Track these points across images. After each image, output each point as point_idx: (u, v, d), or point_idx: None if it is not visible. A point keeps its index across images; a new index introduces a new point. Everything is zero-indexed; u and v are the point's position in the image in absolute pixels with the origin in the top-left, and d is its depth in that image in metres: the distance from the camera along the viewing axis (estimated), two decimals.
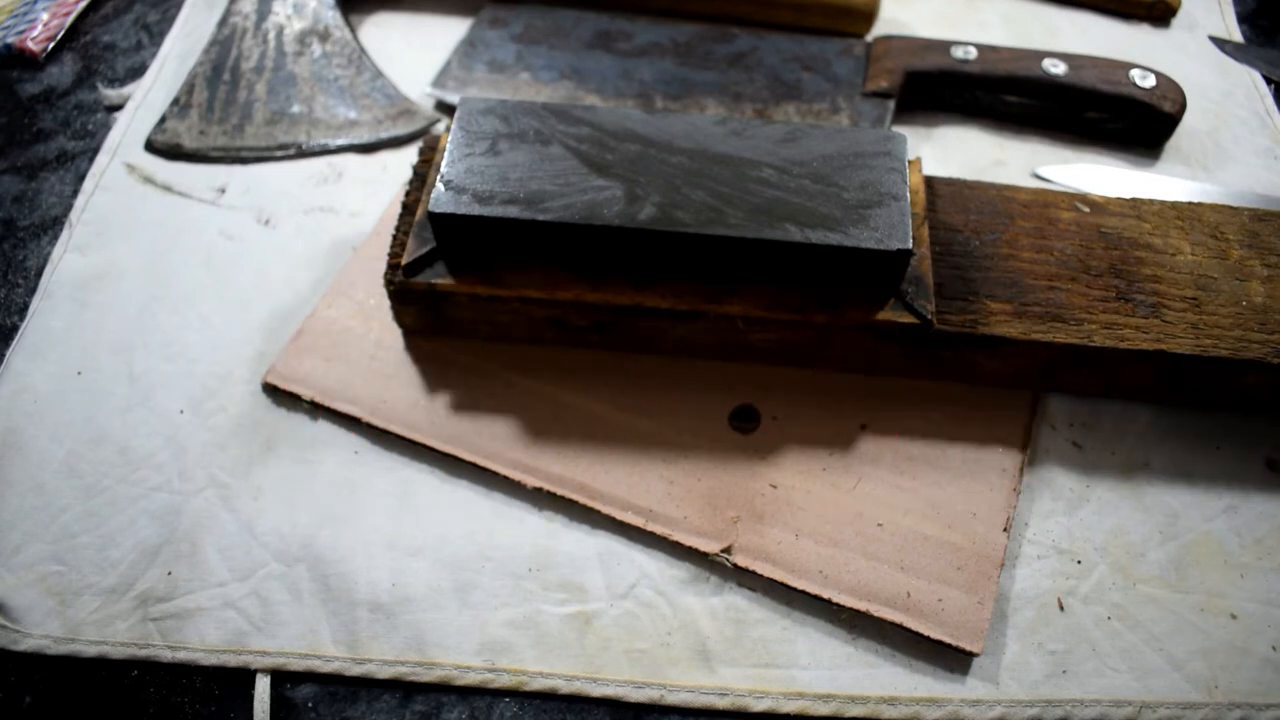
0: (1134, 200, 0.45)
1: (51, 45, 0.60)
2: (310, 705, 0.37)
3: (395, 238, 0.42)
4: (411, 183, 0.44)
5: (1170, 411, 0.44)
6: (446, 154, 0.41)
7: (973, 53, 0.55)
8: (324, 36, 0.59)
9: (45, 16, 0.61)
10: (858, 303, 0.40)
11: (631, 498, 0.41)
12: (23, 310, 0.48)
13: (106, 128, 0.56)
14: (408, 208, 0.43)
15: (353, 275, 0.48)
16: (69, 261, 0.49)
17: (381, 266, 0.47)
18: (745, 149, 0.41)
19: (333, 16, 0.59)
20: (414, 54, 0.60)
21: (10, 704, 0.37)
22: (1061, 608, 0.39)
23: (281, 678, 0.38)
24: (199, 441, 0.43)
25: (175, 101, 0.56)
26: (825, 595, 0.38)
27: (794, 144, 0.42)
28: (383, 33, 0.62)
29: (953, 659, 0.38)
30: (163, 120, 0.55)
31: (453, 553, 0.40)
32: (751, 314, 0.41)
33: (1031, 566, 0.40)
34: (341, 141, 0.55)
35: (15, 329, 0.47)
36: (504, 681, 0.37)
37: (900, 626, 0.38)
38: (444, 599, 0.39)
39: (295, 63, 0.57)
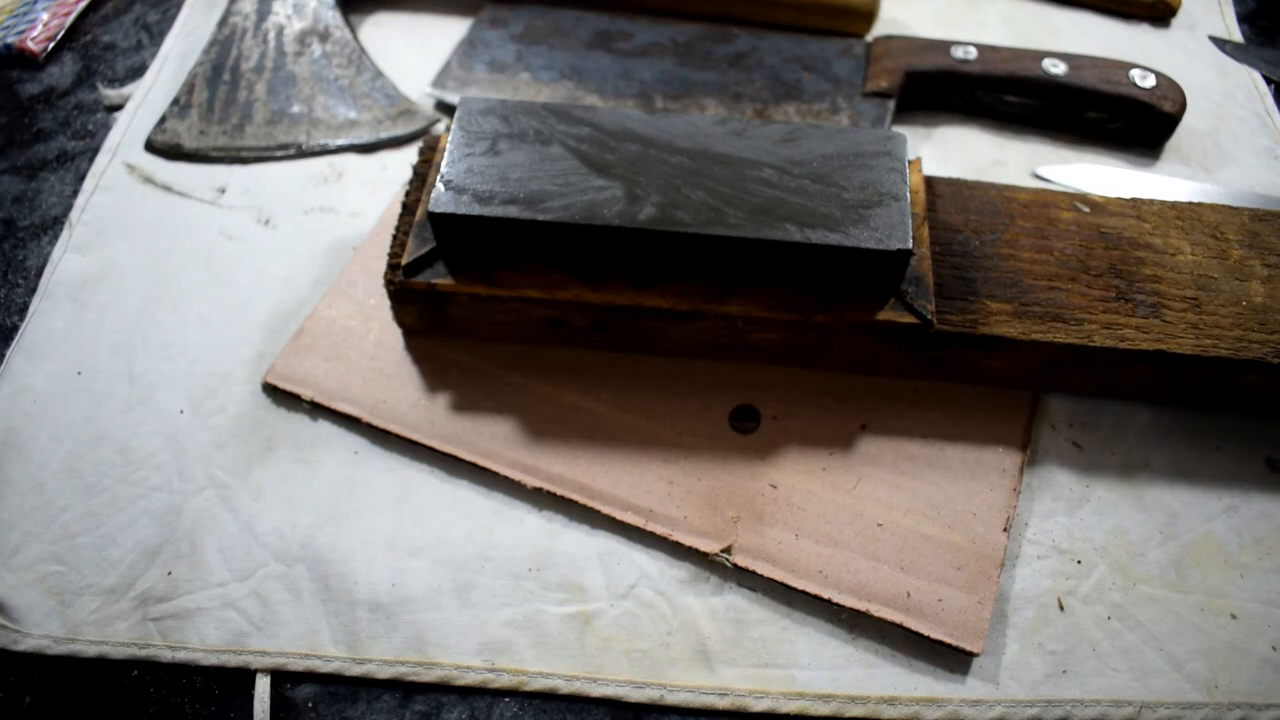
0: (1134, 200, 0.46)
1: (51, 45, 0.60)
2: (310, 705, 0.37)
3: (395, 238, 0.42)
4: (411, 183, 0.44)
5: (1170, 411, 0.44)
6: (446, 154, 0.41)
7: (973, 53, 0.55)
8: (324, 36, 0.59)
9: (45, 16, 0.61)
10: (858, 303, 0.40)
11: (631, 498, 0.41)
12: (23, 310, 0.48)
13: (106, 128, 0.56)
14: (408, 208, 0.43)
15: (353, 275, 0.48)
16: (69, 261, 0.49)
17: (381, 266, 0.47)
18: (745, 149, 0.41)
19: (333, 16, 0.59)
20: (414, 54, 0.60)
21: (10, 704, 0.37)
22: (1061, 608, 0.39)
23: (281, 678, 0.38)
24: (199, 441, 0.43)
25: (175, 101, 0.56)
26: (825, 595, 0.38)
27: (794, 144, 0.42)
28: (383, 33, 0.62)
29: (953, 659, 0.38)
30: (163, 120, 0.55)
31: (453, 553, 0.40)
32: (751, 314, 0.41)
33: (1031, 566, 0.40)
34: (341, 141, 0.55)
35: (15, 329, 0.47)
36: (504, 681, 0.37)
37: (900, 626, 0.38)
38: (444, 599, 0.39)
39: (295, 63, 0.57)
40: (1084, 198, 0.46)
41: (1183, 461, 0.43)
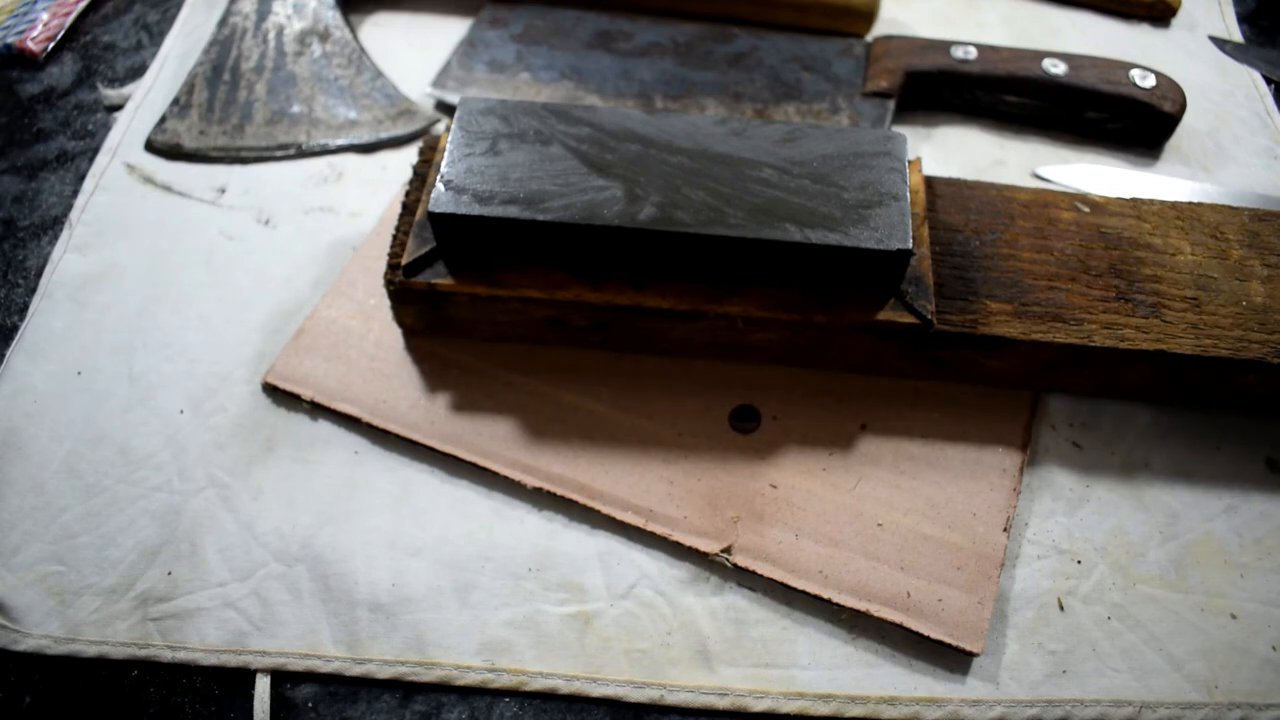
0: (1134, 200, 0.46)
1: (51, 45, 0.60)
2: (310, 705, 0.37)
3: (395, 238, 0.42)
4: (411, 183, 0.44)
5: (1170, 411, 0.44)
6: (446, 154, 0.41)
7: (973, 53, 0.55)
8: (324, 36, 0.59)
9: (45, 16, 0.61)
10: (858, 303, 0.40)
11: (631, 498, 0.41)
12: (23, 310, 0.48)
13: (106, 128, 0.56)
14: (408, 208, 0.43)
15: (353, 275, 0.48)
16: (69, 261, 0.49)
17: (381, 266, 0.47)
18: (745, 149, 0.41)
19: (333, 16, 0.59)
20: (414, 54, 0.60)
21: (10, 704, 0.37)
22: (1061, 608, 0.39)
23: (281, 678, 0.38)
24: (199, 441, 0.43)
25: (175, 101, 0.56)
26: (825, 595, 0.38)
27: (794, 144, 0.42)
28: (383, 33, 0.62)
29: (953, 659, 0.38)
30: (163, 120, 0.55)
31: (453, 553, 0.40)
32: (751, 314, 0.41)
33: (1031, 566, 0.40)
34: (341, 141, 0.55)
35: (15, 329, 0.47)
36: (504, 681, 0.37)
37: (900, 626, 0.38)
38: (444, 599, 0.39)
39: (295, 63, 0.57)
40: (1084, 198, 0.46)
41: (1183, 461, 0.43)
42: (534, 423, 0.43)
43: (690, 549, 0.40)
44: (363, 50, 0.59)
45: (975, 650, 0.37)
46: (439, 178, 0.40)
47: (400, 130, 0.55)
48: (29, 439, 0.43)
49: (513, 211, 0.39)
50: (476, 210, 0.39)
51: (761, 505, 0.41)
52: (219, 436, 0.43)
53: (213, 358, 0.45)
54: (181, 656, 0.38)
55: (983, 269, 0.42)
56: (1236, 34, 0.64)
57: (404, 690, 0.38)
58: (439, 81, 0.58)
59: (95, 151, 0.55)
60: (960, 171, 0.54)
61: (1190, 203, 0.45)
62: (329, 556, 0.40)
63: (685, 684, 0.37)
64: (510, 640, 0.38)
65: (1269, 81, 0.60)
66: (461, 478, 0.42)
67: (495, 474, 0.42)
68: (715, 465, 0.42)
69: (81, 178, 0.53)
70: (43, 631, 0.38)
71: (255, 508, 0.41)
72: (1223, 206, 0.45)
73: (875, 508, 0.41)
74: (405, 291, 0.42)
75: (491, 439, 0.42)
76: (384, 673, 0.37)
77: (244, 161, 0.54)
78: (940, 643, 0.37)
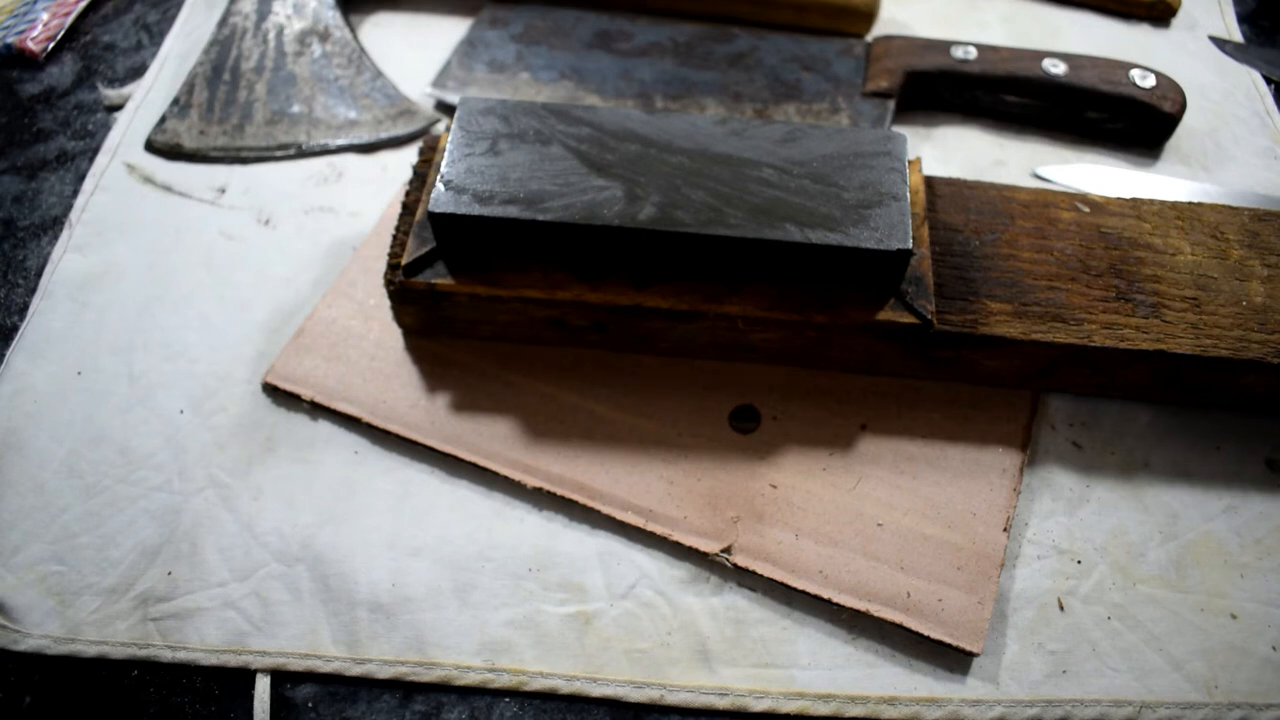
0: (1134, 200, 0.46)
1: (51, 45, 0.60)
2: (310, 705, 0.37)
3: (395, 238, 0.42)
4: (411, 183, 0.44)
5: (1170, 411, 0.44)
6: (446, 154, 0.41)
7: (973, 53, 0.55)
8: (324, 36, 0.59)
9: (45, 16, 0.61)
10: (858, 303, 0.40)
11: (631, 498, 0.41)
12: (23, 310, 0.48)
13: (106, 128, 0.56)
14: (408, 208, 0.43)
15: (353, 275, 0.48)
16: (69, 261, 0.49)
17: (381, 266, 0.47)
18: (745, 149, 0.41)
19: (333, 16, 0.60)
20: (414, 54, 0.60)
21: (10, 704, 0.37)
22: (1061, 608, 0.39)
23: (281, 678, 0.38)
24: (199, 441, 0.43)
25: (175, 101, 0.56)
26: (825, 595, 0.38)
27: (794, 144, 0.42)
28: (383, 33, 0.62)
29: (953, 659, 0.38)
30: (163, 120, 0.55)
31: (453, 553, 0.40)
32: (751, 314, 0.41)
33: (1031, 566, 0.40)
34: (341, 141, 0.55)
35: (15, 329, 0.47)
36: (504, 681, 0.37)
37: (900, 626, 0.38)
38: (444, 599, 0.39)
39: (295, 63, 0.57)
40: (1084, 198, 0.46)
41: (1183, 461, 0.43)
42: (534, 423, 0.43)
43: (690, 549, 0.40)
44: (363, 50, 0.59)
45: (975, 650, 0.37)
46: (439, 178, 0.40)
47: (400, 130, 0.55)
48: (29, 439, 0.43)
49: (513, 211, 0.39)
50: (476, 210, 0.39)
51: (761, 505, 0.41)
52: (219, 436, 0.43)
53: (213, 358, 0.45)
54: (181, 656, 0.38)
55: (983, 269, 0.42)
56: (1236, 34, 0.64)
57: (404, 690, 0.38)
58: (439, 81, 0.58)
59: (95, 151, 0.55)
60: (960, 171, 0.54)
61: (1190, 203, 0.45)
62: (329, 556, 0.40)
63: (685, 684, 0.37)
64: (510, 640, 0.38)
65: (1269, 81, 0.60)
66: (461, 478, 0.42)
67: (495, 474, 0.42)
68: (715, 465, 0.42)
69: (81, 178, 0.53)
70: (43, 631, 0.38)
71: (255, 508, 0.41)
72: (1223, 206, 0.45)
73: (875, 508, 0.41)
74: (405, 291, 0.42)
75: (491, 439, 0.42)
76: (384, 673, 0.37)
77: (244, 161, 0.54)
78: (940, 643, 0.37)
